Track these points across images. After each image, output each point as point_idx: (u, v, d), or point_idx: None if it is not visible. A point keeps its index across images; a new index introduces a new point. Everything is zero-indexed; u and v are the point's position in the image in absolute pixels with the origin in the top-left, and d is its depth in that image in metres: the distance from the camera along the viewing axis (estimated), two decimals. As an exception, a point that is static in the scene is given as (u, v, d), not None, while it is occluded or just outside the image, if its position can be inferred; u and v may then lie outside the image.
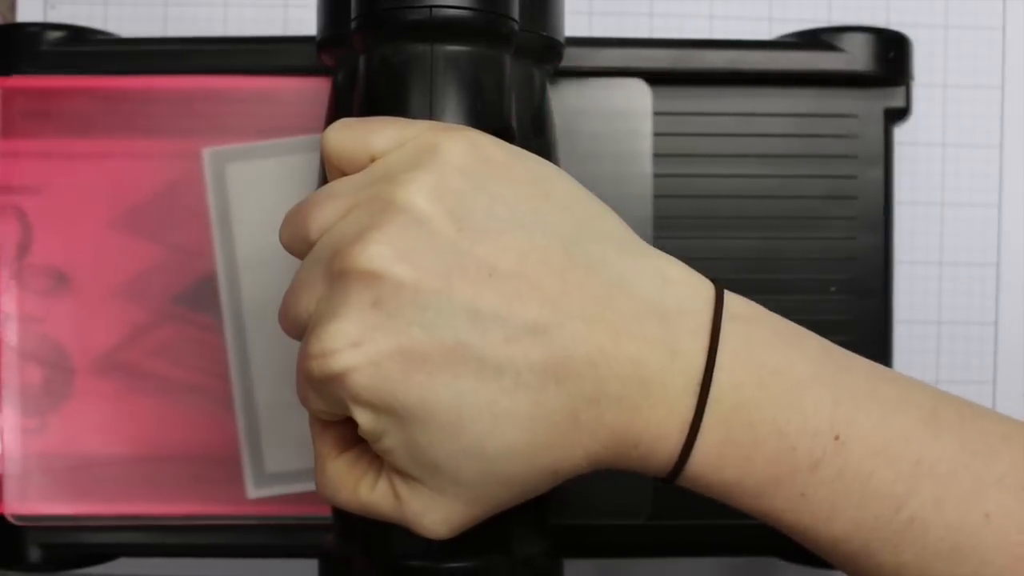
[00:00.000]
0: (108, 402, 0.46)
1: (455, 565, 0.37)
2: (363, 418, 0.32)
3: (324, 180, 0.38)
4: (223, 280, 0.46)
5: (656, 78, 0.46)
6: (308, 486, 0.46)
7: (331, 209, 0.33)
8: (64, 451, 0.46)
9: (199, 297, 0.46)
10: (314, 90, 0.46)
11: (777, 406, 0.33)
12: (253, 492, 0.46)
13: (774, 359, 0.33)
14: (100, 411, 0.46)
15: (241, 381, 0.46)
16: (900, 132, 0.48)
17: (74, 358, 0.46)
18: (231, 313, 0.46)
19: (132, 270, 0.46)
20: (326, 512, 0.45)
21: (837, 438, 0.33)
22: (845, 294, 0.47)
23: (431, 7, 0.38)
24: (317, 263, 0.33)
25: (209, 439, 0.46)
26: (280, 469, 0.46)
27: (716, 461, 0.33)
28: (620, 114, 0.46)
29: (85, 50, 0.47)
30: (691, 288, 0.34)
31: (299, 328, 0.34)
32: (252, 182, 0.46)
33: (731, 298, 0.34)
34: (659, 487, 0.45)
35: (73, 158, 0.46)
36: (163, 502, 0.46)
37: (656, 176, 0.46)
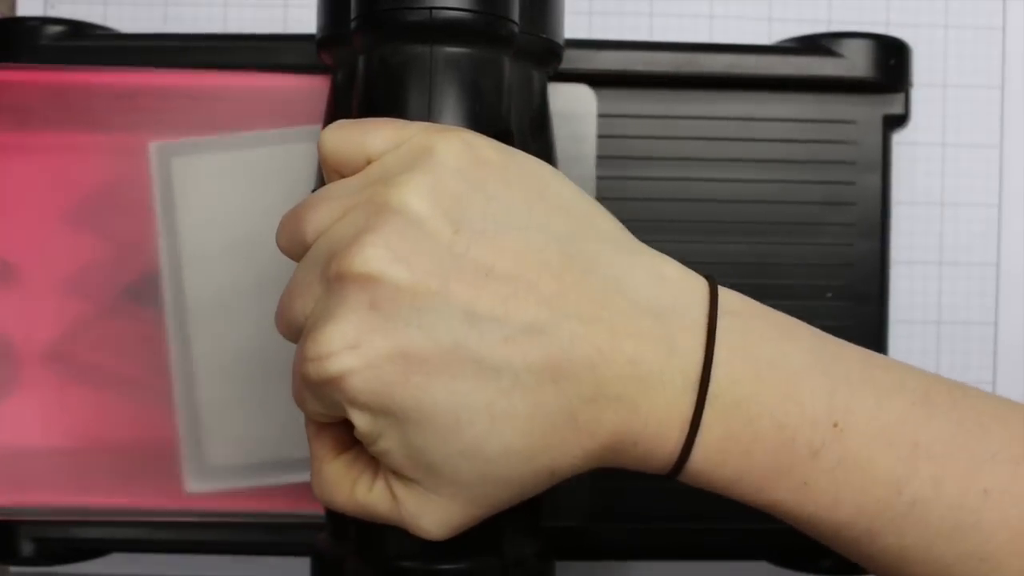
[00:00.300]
0: (51, 394, 0.46)
1: (447, 567, 0.37)
2: (360, 420, 0.32)
3: (322, 181, 0.38)
4: (167, 275, 0.46)
5: (655, 82, 0.46)
6: (248, 482, 0.46)
7: (327, 212, 0.33)
8: (6, 442, 0.46)
9: (144, 291, 0.46)
10: (264, 87, 0.46)
11: (775, 398, 0.33)
12: (192, 487, 0.46)
13: (769, 352, 0.33)
14: (43, 403, 0.46)
15: (183, 376, 0.46)
16: (900, 132, 0.48)
17: (18, 349, 0.46)
18: (174, 308, 0.46)
19: (78, 263, 0.46)
20: (267, 508, 0.45)
21: (835, 425, 0.33)
22: (841, 300, 0.47)
23: (431, 8, 0.37)
24: (314, 266, 0.33)
25: (152, 433, 0.46)
26: (221, 464, 0.46)
27: (717, 457, 0.33)
28: (565, 118, 0.46)
29: (85, 44, 0.47)
30: (686, 285, 0.34)
31: (295, 330, 0.34)
32: (197, 177, 0.46)
33: (725, 293, 0.35)
34: (595, 489, 0.46)
35: (20, 150, 0.46)
36: (105, 494, 0.46)
37: (656, 179, 0.46)
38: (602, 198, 0.46)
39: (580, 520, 0.46)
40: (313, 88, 0.46)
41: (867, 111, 0.47)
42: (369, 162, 0.34)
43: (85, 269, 0.46)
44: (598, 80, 0.46)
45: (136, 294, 0.46)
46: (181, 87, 0.46)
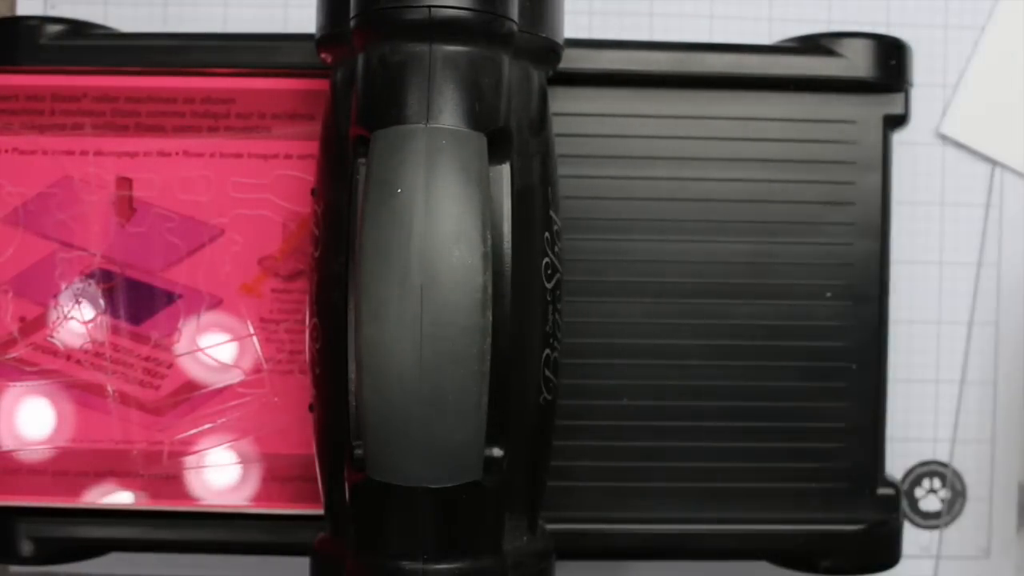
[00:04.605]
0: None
1: (447, 567, 0.37)
2: None
3: (324, 177, 0.39)
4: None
5: (655, 81, 0.46)
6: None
7: None
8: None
9: (87, 293, 0.46)
10: (209, 91, 0.46)
11: None
12: None
13: None
14: None
15: None
16: (900, 131, 0.48)
17: None
18: None
19: (22, 264, 0.46)
20: (267, 508, 0.46)
21: None
22: (841, 300, 0.47)
23: (430, 7, 0.38)
24: None
25: (96, 435, 0.46)
26: None
27: None
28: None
29: (85, 44, 0.47)
30: None
31: None
32: None
33: None
34: (595, 489, 0.46)
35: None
36: (46, 494, 0.46)
37: (657, 179, 0.46)
38: (602, 198, 0.46)
39: (580, 520, 0.46)
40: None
41: (867, 111, 0.47)
42: None
43: (30, 270, 0.46)
44: (598, 80, 0.46)
45: (80, 296, 0.46)
46: (127, 89, 0.46)
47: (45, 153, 0.46)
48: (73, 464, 0.46)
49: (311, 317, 0.41)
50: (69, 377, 0.46)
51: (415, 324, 0.36)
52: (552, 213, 0.41)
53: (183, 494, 0.46)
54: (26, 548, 0.47)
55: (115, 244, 0.46)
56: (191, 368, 0.46)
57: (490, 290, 0.36)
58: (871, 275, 0.47)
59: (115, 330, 0.46)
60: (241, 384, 0.46)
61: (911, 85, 0.47)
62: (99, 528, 0.47)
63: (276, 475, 0.46)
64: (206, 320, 0.46)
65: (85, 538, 0.47)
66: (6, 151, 0.46)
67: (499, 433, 0.38)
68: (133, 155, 0.46)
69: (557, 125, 0.43)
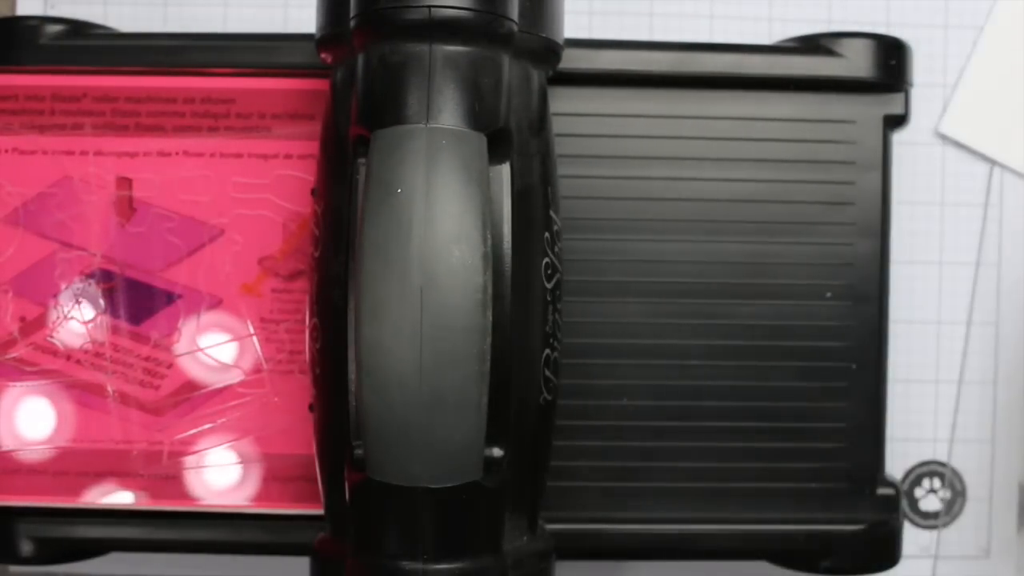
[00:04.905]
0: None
1: (445, 566, 0.37)
2: None
3: (324, 177, 0.38)
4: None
5: (654, 81, 0.46)
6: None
7: None
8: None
9: (87, 293, 0.46)
10: (208, 90, 0.46)
11: None
12: None
13: None
14: None
15: None
16: (899, 130, 0.48)
17: None
18: None
19: (22, 264, 0.46)
20: (267, 507, 0.46)
21: None
22: (841, 299, 0.47)
23: (430, 7, 0.38)
24: None
25: (96, 435, 0.46)
26: None
27: None
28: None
29: (85, 44, 0.47)
30: None
31: None
32: None
33: None
34: (595, 489, 0.46)
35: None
36: (46, 494, 0.46)
37: (657, 179, 0.46)
38: (602, 198, 0.46)
39: (580, 520, 0.46)
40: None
41: (867, 111, 0.47)
42: None
43: (31, 270, 0.46)
44: (598, 80, 0.46)
45: (80, 296, 0.46)
46: (129, 89, 0.46)
47: (45, 153, 0.46)
48: (73, 464, 0.46)
49: (311, 317, 0.41)
50: (69, 377, 0.46)
51: (415, 324, 0.36)
52: (552, 213, 0.41)
53: (183, 494, 0.46)
54: (26, 548, 0.47)
55: (115, 244, 0.46)
56: (191, 368, 0.46)
57: (490, 290, 0.36)
58: (871, 275, 0.47)
59: (115, 330, 0.46)
60: (241, 384, 0.46)
61: (911, 85, 0.47)
62: (99, 528, 0.47)
63: (276, 475, 0.46)
64: (206, 320, 0.46)
65: (85, 538, 0.47)
66: (6, 151, 0.46)
67: (499, 433, 0.38)
68: (133, 155, 0.46)
69: (557, 125, 0.43)
